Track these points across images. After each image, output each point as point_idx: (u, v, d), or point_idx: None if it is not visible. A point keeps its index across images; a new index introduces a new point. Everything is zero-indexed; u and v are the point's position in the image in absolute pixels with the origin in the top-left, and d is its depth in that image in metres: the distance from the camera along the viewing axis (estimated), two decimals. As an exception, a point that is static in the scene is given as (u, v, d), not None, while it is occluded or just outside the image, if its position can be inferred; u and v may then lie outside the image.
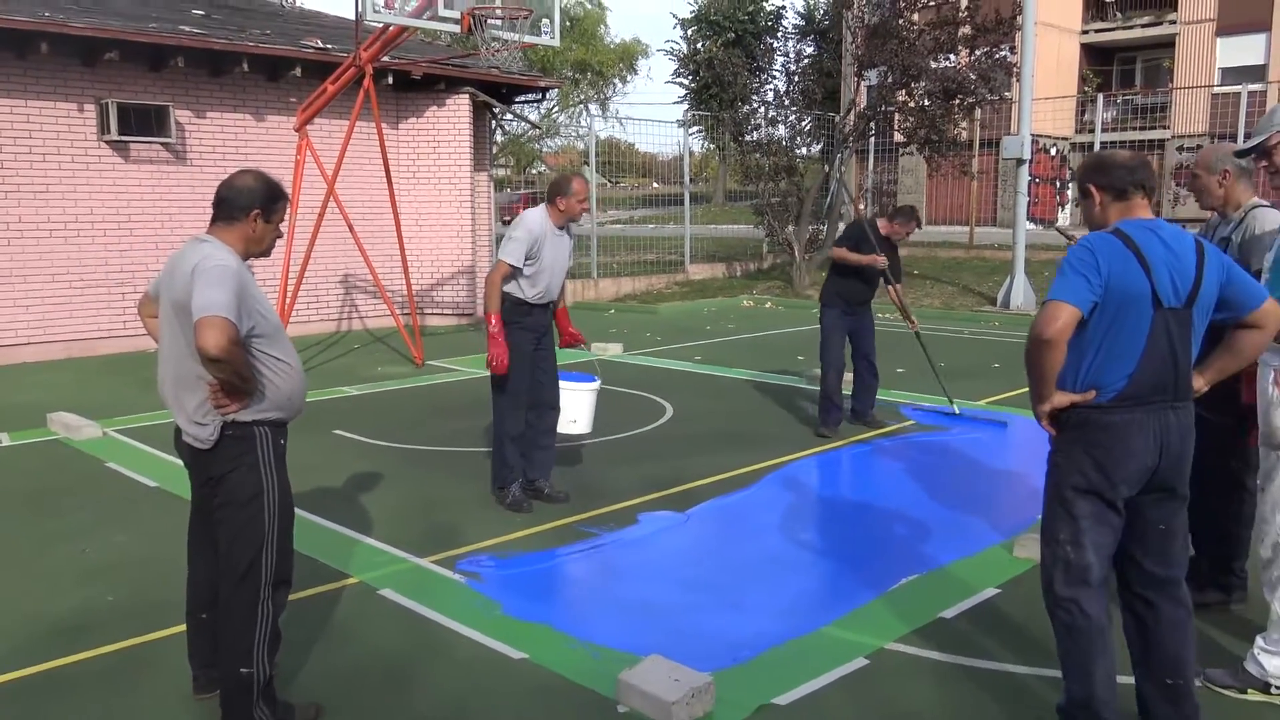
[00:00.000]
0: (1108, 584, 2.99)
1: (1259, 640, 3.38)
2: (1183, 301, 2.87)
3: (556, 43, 9.57)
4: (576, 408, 5.75)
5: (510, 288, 5.34)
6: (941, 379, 7.91)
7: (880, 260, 7.10)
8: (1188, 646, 3.00)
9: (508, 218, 22.41)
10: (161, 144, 11.22)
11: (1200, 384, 3.09)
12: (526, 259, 5.30)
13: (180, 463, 3.24)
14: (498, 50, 8.85)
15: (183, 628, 3.41)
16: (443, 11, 8.29)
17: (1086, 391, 2.89)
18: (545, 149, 45.00)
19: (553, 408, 5.64)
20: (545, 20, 9.00)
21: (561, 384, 5.64)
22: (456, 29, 8.44)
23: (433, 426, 7.54)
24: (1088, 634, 2.92)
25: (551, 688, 3.50)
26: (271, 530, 3.07)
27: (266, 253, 3.21)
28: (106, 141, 10.91)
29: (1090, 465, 2.91)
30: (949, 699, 3.42)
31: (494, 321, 5.26)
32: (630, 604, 4.25)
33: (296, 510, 3.23)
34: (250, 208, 3.10)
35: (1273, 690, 3.31)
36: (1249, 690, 3.34)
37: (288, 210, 3.22)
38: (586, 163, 21.11)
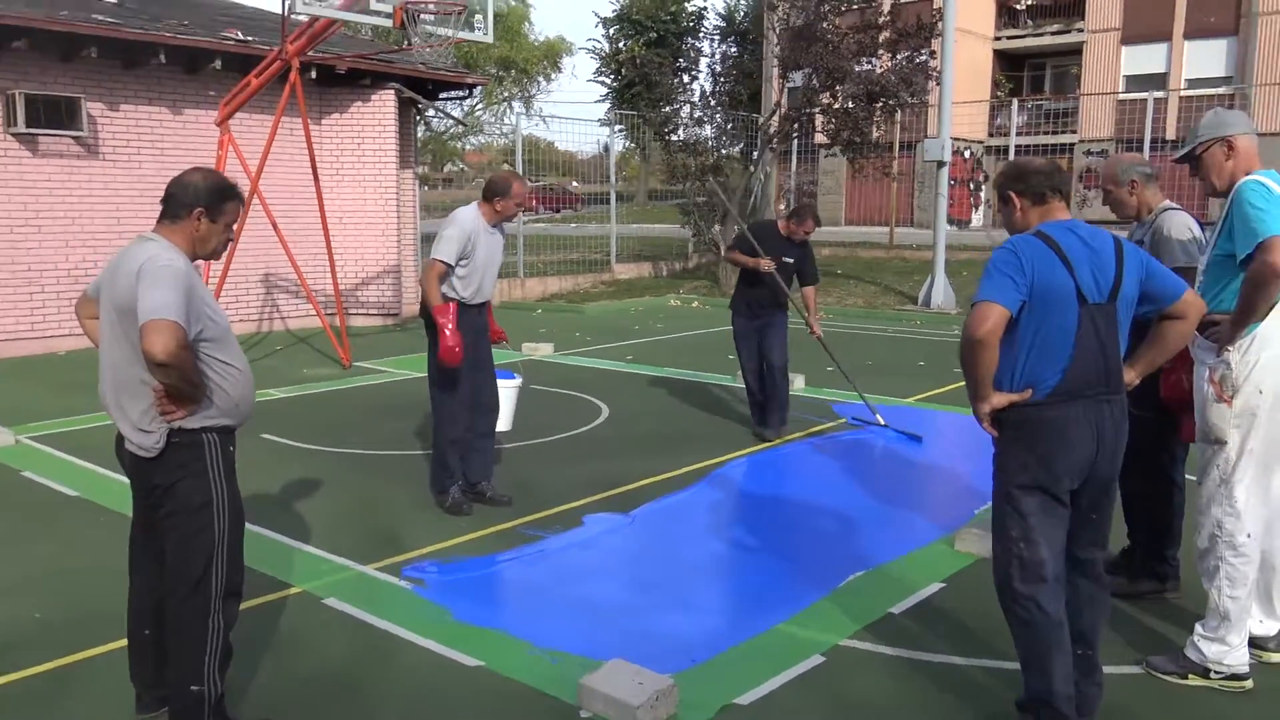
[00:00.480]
0: (1060, 579, 3.07)
1: (1198, 627, 3.51)
2: (1105, 296, 2.97)
3: (490, 38, 9.45)
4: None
5: (443, 288, 5.25)
6: (859, 389, 7.72)
7: (764, 263, 6.88)
8: (1101, 619, 3.18)
9: None
10: (72, 137, 10.77)
11: (1132, 377, 3.18)
12: (460, 258, 5.22)
13: (104, 470, 3.12)
14: (426, 46, 8.72)
15: (121, 643, 3.27)
16: (375, 5, 8.12)
17: (1023, 390, 2.97)
18: (467, 146, 44.54)
19: (492, 410, 5.59)
20: (478, 16, 8.89)
21: None
22: (389, 23, 8.27)
23: (364, 429, 7.39)
24: (1045, 630, 2.99)
25: (510, 694, 3.44)
26: (222, 540, 2.95)
27: (215, 255, 3.08)
28: (13, 134, 10.42)
29: (1033, 461, 2.99)
30: (906, 693, 3.47)
31: (445, 311, 5.09)
32: (581, 607, 4.21)
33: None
34: (194, 206, 2.97)
35: (1212, 675, 3.44)
36: (1190, 675, 3.47)
37: (239, 211, 3.09)
38: (506, 161, 20.89)
